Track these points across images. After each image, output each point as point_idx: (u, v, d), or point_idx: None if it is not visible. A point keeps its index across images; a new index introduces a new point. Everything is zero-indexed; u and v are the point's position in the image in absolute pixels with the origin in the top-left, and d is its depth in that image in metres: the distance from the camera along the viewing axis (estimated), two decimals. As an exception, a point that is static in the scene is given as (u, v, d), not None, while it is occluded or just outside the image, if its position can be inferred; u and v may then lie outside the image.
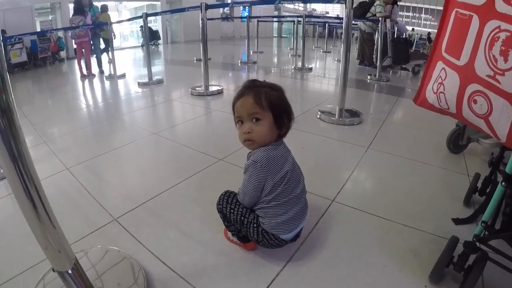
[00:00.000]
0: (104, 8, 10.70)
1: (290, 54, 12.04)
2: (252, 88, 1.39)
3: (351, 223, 1.77)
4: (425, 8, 41.46)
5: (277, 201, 1.37)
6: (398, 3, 8.18)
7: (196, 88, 5.36)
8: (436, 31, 1.46)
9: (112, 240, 1.75)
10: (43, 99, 6.35)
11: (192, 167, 2.52)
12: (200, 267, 1.51)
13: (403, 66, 7.60)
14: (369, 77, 6.61)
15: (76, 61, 9.54)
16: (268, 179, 1.35)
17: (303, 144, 2.78)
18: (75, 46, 9.79)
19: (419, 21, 42.57)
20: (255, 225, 1.43)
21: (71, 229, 1.30)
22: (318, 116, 3.61)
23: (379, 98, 5.18)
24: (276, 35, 32.20)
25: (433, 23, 40.87)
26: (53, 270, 1.34)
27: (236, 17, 22.71)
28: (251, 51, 10.23)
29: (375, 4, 7.94)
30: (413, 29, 26.92)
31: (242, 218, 1.46)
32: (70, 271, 1.30)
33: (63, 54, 18.12)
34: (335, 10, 35.65)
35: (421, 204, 1.96)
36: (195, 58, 10.57)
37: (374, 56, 7.93)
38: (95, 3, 9.42)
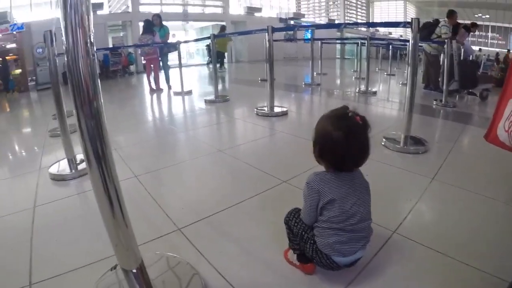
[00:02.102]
0: (223, 28, 11.21)
1: (353, 77, 11.91)
2: (325, 114, 1.47)
3: (410, 257, 1.72)
4: (491, 26, 39.70)
5: (330, 223, 1.42)
6: (468, 29, 7.92)
7: (261, 108, 5.42)
8: (506, 52, 1.43)
9: (174, 248, 1.84)
10: (113, 109, 6.69)
11: (255, 187, 2.57)
12: (257, 283, 1.56)
13: (470, 90, 7.20)
14: (434, 102, 6.37)
15: (145, 75, 9.90)
16: (320, 201, 1.43)
17: (367, 171, 2.72)
18: (144, 62, 10.20)
19: (486, 40, 40.39)
20: (312, 241, 1.49)
21: (136, 233, 1.38)
22: (382, 143, 3.55)
23: (445, 125, 5.02)
24: (339, 56, 31.98)
25: (501, 42, 39.10)
26: (113, 269, 1.44)
27: (299, 39, 22.79)
28: (315, 73, 10.17)
29: (439, 25, 7.66)
30: (480, 49, 25.92)
31: (303, 233, 1.52)
32: (135, 270, 1.39)
33: (132, 68, 18.95)
34: (398, 30, 35.06)
35: (484, 242, 1.86)
36: (259, 78, 10.69)
37: (439, 80, 7.69)
38: (164, 23, 9.75)
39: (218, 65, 15.32)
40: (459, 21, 8.01)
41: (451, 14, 7.73)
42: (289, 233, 1.64)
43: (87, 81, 1.15)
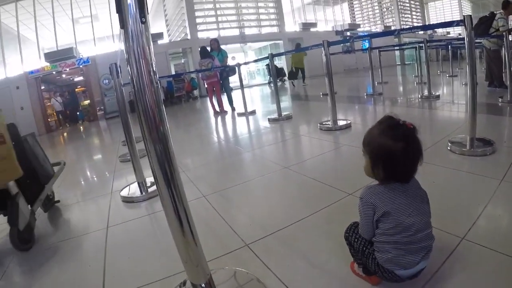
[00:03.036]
0: (298, 45, 11.54)
1: (415, 82, 11.59)
2: (374, 130, 1.48)
3: (482, 263, 1.64)
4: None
5: (387, 236, 1.41)
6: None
7: (324, 123, 5.42)
8: None
9: (243, 263, 1.90)
10: (180, 133, 6.97)
11: (322, 201, 2.58)
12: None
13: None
14: (500, 99, 5.99)
15: (208, 99, 10.15)
16: (375, 214, 1.43)
17: (433, 178, 2.65)
18: (206, 86, 10.52)
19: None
20: (373, 256, 1.47)
21: (205, 250, 1.46)
22: (448, 148, 3.43)
23: (512, 123, 4.80)
24: (399, 63, 31.33)
25: None
26: (183, 285, 1.52)
27: (357, 50, 22.60)
28: (376, 82, 10.02)
29: (496, 18, 7.29)
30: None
31: (364, 248, 1.52)
32: (203, 285, 1.47)
33: (196, 92, 19.56)
34: (456, 29, 33.96)
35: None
36: (321, 93, 10.69)
37: (503, 75, 7.32)
38: (223, 46, 10.02)
39: (295, 80, 16.73)
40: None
41: (507, 4, 7.34)
42: (350, 248, 1.64)
43: (153, 108, 1.27)
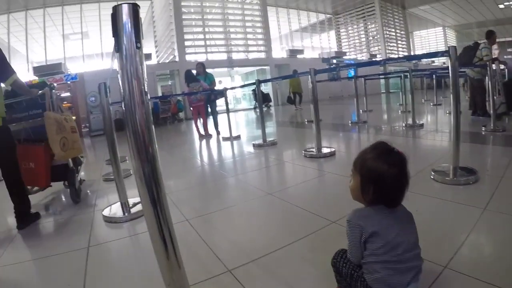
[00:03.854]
0: (295, 71, 11.79)
1: (399, 111, 11.78)
2: (368, 155, 1.51)
3: None
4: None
5: (376, 256, 1.41)
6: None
7: (309, 150, 5.45)
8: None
9: (225, 289, 1.85)
10: (164, 155, 6.93)
11: (305, 228, 2.58)
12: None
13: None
14: (483, 128, 6.18)
15: (193, 122, 10.16)
16: (362, 235, 1.43)
17: (417, 206, 2.61)
18: (191, 109, 10.56)
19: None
20: (362, 279, 1.47)
21: (187, 274, 1.45)
22: (431, 177, 3.47)
23: (495, 151, 4.92)
24: (384, 91, 31.75)
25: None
26: None
27: (343, 78, 22.91)
28: (361, 110, 10.09)
29: (480, 48, 7.47)
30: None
31: (352, 272, 1.52)
32: None
33: (181, 115, 19.53)
34: (441, 58, 34.85)
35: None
36: (306, 120, 10.82)
37: (486, 104, 7.47)
38: (210, 70, 10.09)
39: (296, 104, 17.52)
40: (500, 39, 7.78)
41: (491, 34, 7.60)
42: (336, 275, 1.63)
43: (143, 127, 1.28)
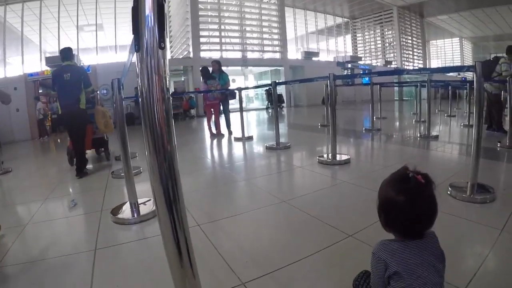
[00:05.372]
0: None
1: (413, 120, 11.65)
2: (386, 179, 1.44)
3: None
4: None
5: None
6: None
7: (323, 156, 5.36)
8: None
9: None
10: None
11: (320, 241, 2.51)
12: None
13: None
14: (499, 144, 6.03)
15: (205, 119, 10.10)
16: (386, 271, 1.34)
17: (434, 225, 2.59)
18: (204, 107, 10.52)
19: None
20: None
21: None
22: (448, 192, 3.39)
23: (511, 169, 4.79)
24: (397, 98, 31.60)
25: None
26: None
27: (357, 84, 22.82)
28: (374, 117, 9.96)
29: (500, 63, 7.35)
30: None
31: None
32: None
33: (193, 112, 19.47)
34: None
35: None
36: (319, 124, 10.77)
37: (503, 120, 7.39)
38: (224, 68, 10.06)
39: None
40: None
41: (511, 50, 7.46)
42: None
43: (162, 125, 1.17)
